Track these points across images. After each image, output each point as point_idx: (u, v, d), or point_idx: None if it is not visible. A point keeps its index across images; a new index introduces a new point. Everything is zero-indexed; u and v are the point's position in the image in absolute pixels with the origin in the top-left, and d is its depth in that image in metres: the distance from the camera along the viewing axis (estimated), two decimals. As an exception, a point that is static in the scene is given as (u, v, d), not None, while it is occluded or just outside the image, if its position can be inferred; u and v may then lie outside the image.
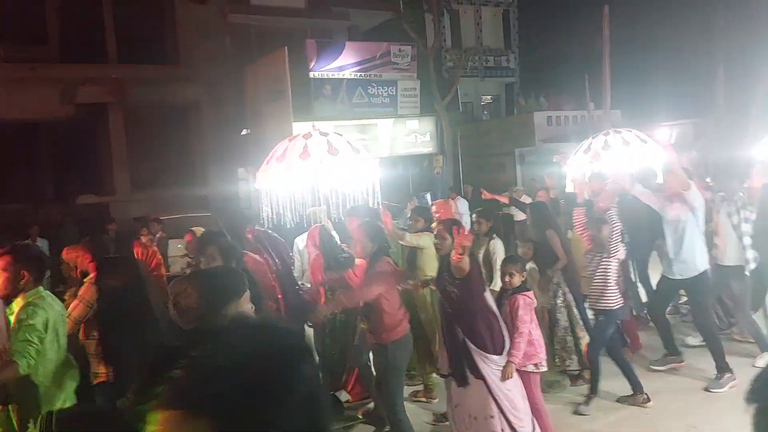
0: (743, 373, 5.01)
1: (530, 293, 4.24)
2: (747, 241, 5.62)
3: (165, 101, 14.27)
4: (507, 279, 4.25)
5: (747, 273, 5.66)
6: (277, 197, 5.34)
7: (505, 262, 4.56)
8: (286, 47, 13.16)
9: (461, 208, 11.44)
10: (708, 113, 19.20)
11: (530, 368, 4.15)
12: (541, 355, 4.24)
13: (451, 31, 21.83)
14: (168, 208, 11.43)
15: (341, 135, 5.62)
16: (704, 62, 19.24)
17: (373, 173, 5.37)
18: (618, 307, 4.94)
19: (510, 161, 18.38)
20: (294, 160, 5.13)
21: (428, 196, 13.98)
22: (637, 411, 4.87)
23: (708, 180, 6.97)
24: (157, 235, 9.06)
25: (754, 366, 5.20)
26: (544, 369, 4.34)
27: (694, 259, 5.33)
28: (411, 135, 17.47)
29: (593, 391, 5.01)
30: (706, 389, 5.11)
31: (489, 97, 23.83)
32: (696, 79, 19.73)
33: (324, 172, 5.10)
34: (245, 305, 2.20)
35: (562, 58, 21.57)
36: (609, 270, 4.91)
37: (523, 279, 4.30)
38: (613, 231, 4.97)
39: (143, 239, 7.72)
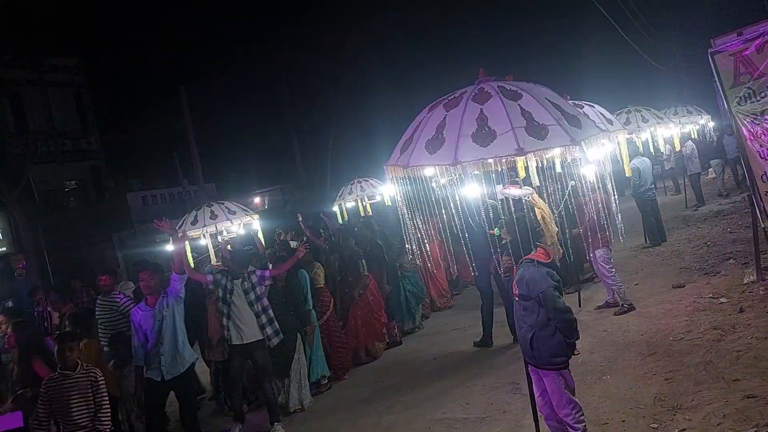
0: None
1: None
2: (264, 319, 5.70)
3: None
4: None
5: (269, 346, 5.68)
6: None
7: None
8: None
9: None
10: (291, 179, 21.87)
11: None
12: None
13: (13, 114, 19.19)
14: None
15: None
16: (282, 136, 21.81)
17: None
18: None
19: (109, 248, 16.95)
20: None
21: (10, 304, 11.57)
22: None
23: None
24: None
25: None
26: None
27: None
28: (-25, 235, 14.42)
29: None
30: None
31: (74, 182, 21.65)
32: (278, 150, 22.26)
33: None
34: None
35: (148, 137, 21.23)
36: None
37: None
38: None
39: None
